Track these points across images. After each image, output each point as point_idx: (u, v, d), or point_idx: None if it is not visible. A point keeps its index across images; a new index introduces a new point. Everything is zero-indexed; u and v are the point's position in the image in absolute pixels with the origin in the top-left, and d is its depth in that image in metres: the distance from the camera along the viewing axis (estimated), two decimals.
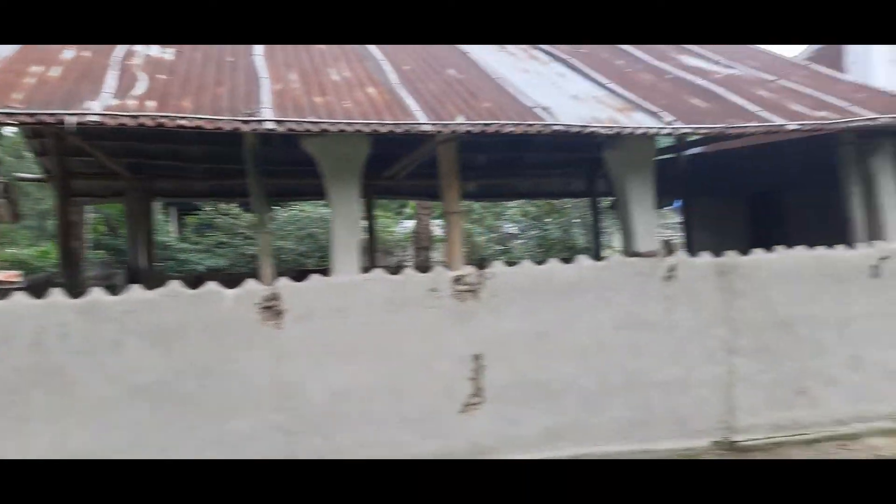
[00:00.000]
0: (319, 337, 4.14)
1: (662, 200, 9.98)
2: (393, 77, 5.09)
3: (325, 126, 3.98)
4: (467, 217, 13.77)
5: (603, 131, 4.45)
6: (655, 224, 4.98)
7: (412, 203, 14.34)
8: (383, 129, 4.06)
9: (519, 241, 15.55)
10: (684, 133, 4.80)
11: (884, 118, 4.88)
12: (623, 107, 4.97)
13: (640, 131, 4.51)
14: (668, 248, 10.37)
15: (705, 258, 4.83)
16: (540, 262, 4.69)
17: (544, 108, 4.69)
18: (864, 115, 4.93)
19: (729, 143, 6.86)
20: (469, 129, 4.25)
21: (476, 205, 13.68)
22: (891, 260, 4.95)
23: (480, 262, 4.76)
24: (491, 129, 4.28)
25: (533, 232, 15.68)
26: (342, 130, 3.98)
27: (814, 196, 5.81)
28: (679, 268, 4.74)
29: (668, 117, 4.70)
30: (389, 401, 4.22)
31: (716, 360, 4.68)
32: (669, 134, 4.64)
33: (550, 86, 5.43)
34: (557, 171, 9.50)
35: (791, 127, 4.73)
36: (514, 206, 15.44)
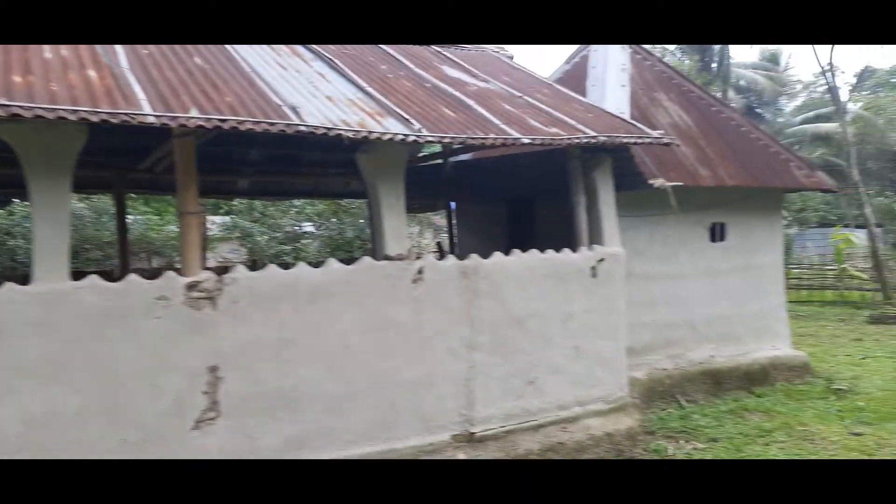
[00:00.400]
0: (11, 356, 3.55)
1: (433, 205, 10.43)
2: (123, 60, 4.57)
3: (16, 110, 3.41)
4: (248, 215, 13.11)
5: (349, 134, 4.43)
6: (406, 227, 5.10)
7: None
8: (95, 119, 3.59)
9: (307, 241, 15.20)
10: (430, 140, 4.97)
11: (601, 136, 5.54)
12: (376, 112, 5.01)
13: (386, 137, 4.57)
14: (441, 250, 10.88)
15: (450, 261, 5.08)
16: (318, 264, 4.59)
17: (293, 108, 4.55)
18: (588, 133, 5.55)
19: (489, 152, 7.34)
20: (202, 123, 3.95)
21: (258, 202, 13.06)
22: (606, 262, 5.66)
23: (254, 263, 4.50)
24: (227, 126, 4.02)
25: (323, 232, 15.42)
26: (39, 117, 3.44)
27: (558, 203, 6.42)
28: (426, 270, 4.92)
29: (417, 125, 4.84)
30: (105, 424, 3.78)
31: (458, 357, 4.94)
32: (416, 141, 4.77)
33: (307, 85, 5.29)
34: (335, 171, 9.39)
35: (525, 140, 5.15)
36: (308, 205, 15.01)
